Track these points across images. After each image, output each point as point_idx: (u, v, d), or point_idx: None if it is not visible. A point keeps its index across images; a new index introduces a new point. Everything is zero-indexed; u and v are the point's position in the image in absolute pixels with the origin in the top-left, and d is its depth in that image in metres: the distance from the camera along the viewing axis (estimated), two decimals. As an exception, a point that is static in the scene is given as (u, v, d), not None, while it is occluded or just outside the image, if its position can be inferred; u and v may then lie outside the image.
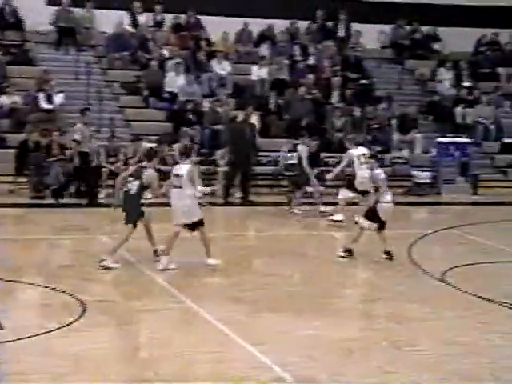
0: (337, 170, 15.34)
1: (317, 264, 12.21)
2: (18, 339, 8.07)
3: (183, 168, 11.08)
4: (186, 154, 11.34)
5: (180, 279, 10.84)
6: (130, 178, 11.25)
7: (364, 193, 13.65)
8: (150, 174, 11.09)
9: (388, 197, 12.05)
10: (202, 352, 7.97)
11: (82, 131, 17.13)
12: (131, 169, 11.71)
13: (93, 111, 19.13)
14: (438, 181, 19.52)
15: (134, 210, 11.38)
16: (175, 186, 11.10)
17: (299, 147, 16.39)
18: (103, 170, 17.29)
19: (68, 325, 8.57)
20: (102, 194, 17.18)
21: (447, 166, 19.68)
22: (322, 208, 15.93)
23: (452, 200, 18.65)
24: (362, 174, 14.04)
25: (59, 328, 8.46)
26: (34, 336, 8.21)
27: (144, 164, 11.28)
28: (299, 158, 16.23)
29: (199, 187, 11.16)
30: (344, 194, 14.87)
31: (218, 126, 19.23)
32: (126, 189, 11.33)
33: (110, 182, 17.42)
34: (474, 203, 18.70)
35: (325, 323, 9.02)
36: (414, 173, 19.47)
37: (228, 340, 8.38)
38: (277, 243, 13.57)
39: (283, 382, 7.26)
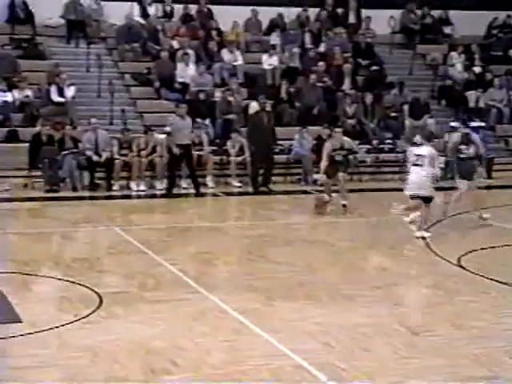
0: None
1: (330, 251, 12.22)
2: (36, 332, 8.12)
3: (425, 150, 12.86)
4: (428, 138, 13.51)
5: (194, 269, 10.89)
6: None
7: None
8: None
9: None
10: (219, 341, 7.99)
11: (175, 123, 16.98)
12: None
13: (104, 103, 19.21)
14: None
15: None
16: (415, 164, 12.84)
17: (326, 144, 15.51)
18: (116, 161, 17.33)
19: (85, 317, 8.61)
20: (116, 187, 17.24)
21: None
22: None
23: (466, 184, 18.54)
24: None
25: (76, 320, 8.50)
26: (51, 329, 8.26)
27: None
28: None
29: (437, 169, 12.97)
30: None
31: (231, 116, 19.23)
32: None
33: (123, 174, 17.54)
34: (488, 187, 18.62)
35: (339, 310, 9.03)
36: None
37: (244, 328, 8.40)
38: (291, 231, 13.58)
39: (302, 370, 7.27)
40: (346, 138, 15.52)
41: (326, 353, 7.68)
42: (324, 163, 15.05)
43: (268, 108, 18.54)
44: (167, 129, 17.11)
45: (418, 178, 12.76)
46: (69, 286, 9.88)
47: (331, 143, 15.28)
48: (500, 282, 10.20)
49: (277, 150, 18.79)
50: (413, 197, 12.91)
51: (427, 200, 12.84)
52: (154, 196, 16.91)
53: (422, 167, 12.75)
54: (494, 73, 22.41)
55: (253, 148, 17.66)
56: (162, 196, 16.88)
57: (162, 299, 9.37)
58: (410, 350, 7.75)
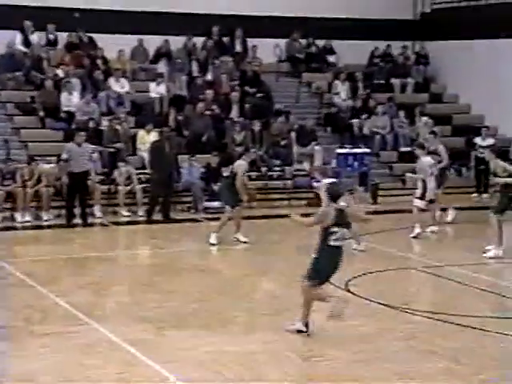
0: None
1: (221, 279, 12.20)
2: None
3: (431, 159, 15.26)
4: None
5: (83, 301, 10.64)
6: None
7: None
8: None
9: None
10: (109, 373, 7.85)
11: (71, 150, 16.67)
12: None
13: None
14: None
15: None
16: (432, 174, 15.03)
17: (238, 162, 14.75)
18: (-2, 192, 16.86)
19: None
20: (-1, 218, 16.77)
21: (347, 177, 19.96)
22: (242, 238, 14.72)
23: (353, 210, 18.90)
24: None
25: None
26: None
27: None
28: (234, 174, 14.63)
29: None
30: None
31: (118, 145, 19.02)
32: None
33: (7, 206, 17.06)
34: (374, 212, 19.02)
35: (230, 337, 9.00)
36: (315, 184, 19.68)
37: (135, 360, 8.27)
38: (182, 259, 13.50)
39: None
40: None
41: (216, 381, 7.64)
42: (243, 186, 14.45)
43: (152, 137, 18.42)
44: (64, 156, 16.86)
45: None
46: (-50, 323, 9.50)
47: (246, 165, 14.79)
48: (386, 306, 10.40)
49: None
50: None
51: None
52: (39, 227, 16.52)
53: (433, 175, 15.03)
54: (376, 100, 23.00)
55: (154, 176, 17.52)
56: (49, 227, 16.52)
57: (49, 332, 9.12)
58: (302, 376, 7.80)
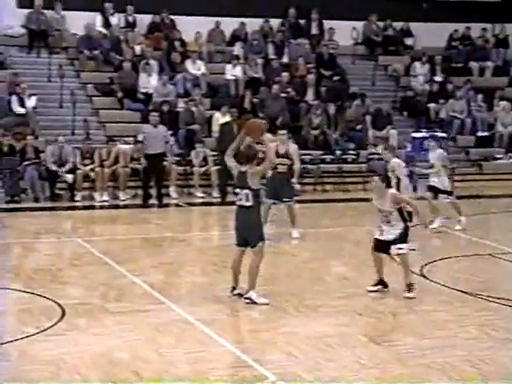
0: None
1: (293, 261, 12.23)
2: (-4, 344, 8.02)
3: None
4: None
5: (158, 280, 10.83)
6: None
7: None
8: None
9: None
10: (183, 352, 7.97)
11: (148, 132, 17.01)
12: None
13: (66, 114, 19.08)
14: (414, 175, 19.58)
15: None
16: None
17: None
18: (78, 172, 17.21)
19: (47, 329, 8.53)
20: (78, 197, 17.11)
21: (422, 161, 19.71)
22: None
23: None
24: None
25: (38, 332, 8.41)
26: (13, 341, 8.16)
27: None
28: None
29: None
30: None
31: (194, 126, 19.21)
32: None
33: (86, 185, 17.42)
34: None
35: (302, 320, 9.04)
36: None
37: (208, 340, 8.38)
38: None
39: (265, 380, 7.27)
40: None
41: (288, 363, 7.69)
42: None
43: (226, 119, 18.53)
44: (140, 138, 17.16)
45: None
46: (30, 298, 9.77)
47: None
48: (462, 292, 10.29)
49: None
50: None
51: None
52: (116, 207, 16.83)
53: None
54: (454, 84, 22.66)
55: (221, 157, 17.65)
56: (126, 207, 16.82)
57: (125, 310, 9.31)
58: (373, 360, 7.78)
